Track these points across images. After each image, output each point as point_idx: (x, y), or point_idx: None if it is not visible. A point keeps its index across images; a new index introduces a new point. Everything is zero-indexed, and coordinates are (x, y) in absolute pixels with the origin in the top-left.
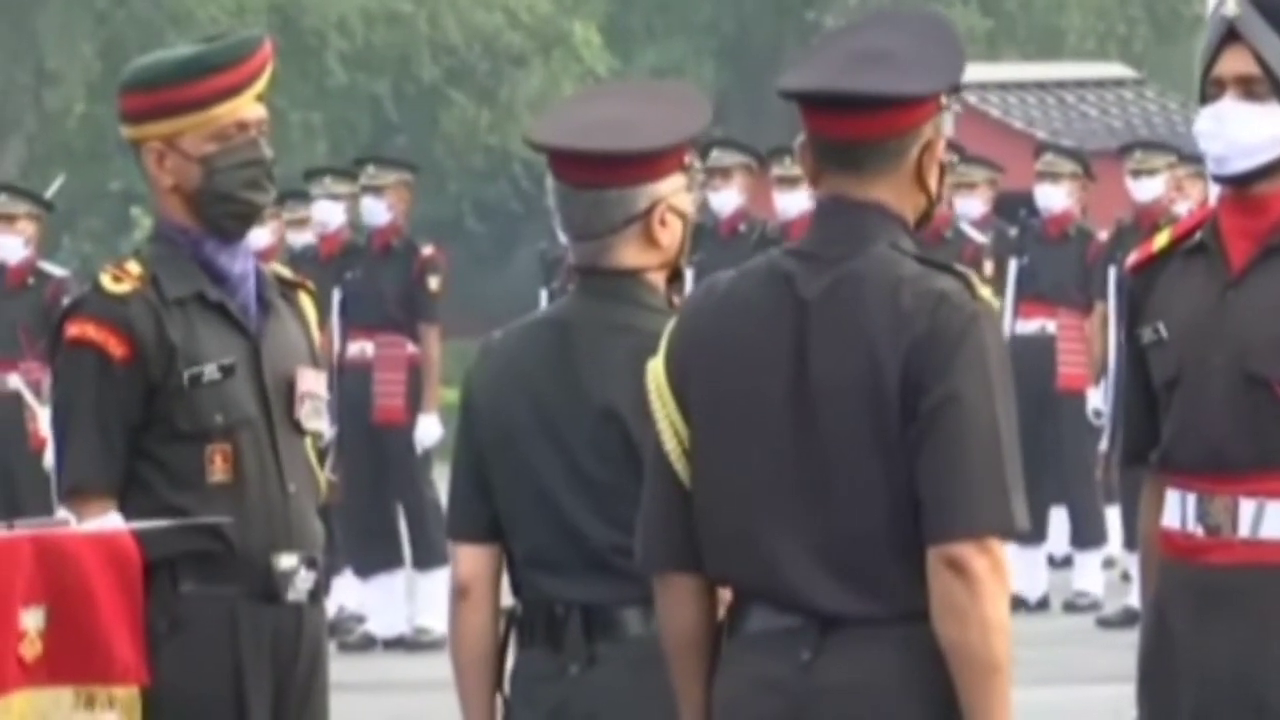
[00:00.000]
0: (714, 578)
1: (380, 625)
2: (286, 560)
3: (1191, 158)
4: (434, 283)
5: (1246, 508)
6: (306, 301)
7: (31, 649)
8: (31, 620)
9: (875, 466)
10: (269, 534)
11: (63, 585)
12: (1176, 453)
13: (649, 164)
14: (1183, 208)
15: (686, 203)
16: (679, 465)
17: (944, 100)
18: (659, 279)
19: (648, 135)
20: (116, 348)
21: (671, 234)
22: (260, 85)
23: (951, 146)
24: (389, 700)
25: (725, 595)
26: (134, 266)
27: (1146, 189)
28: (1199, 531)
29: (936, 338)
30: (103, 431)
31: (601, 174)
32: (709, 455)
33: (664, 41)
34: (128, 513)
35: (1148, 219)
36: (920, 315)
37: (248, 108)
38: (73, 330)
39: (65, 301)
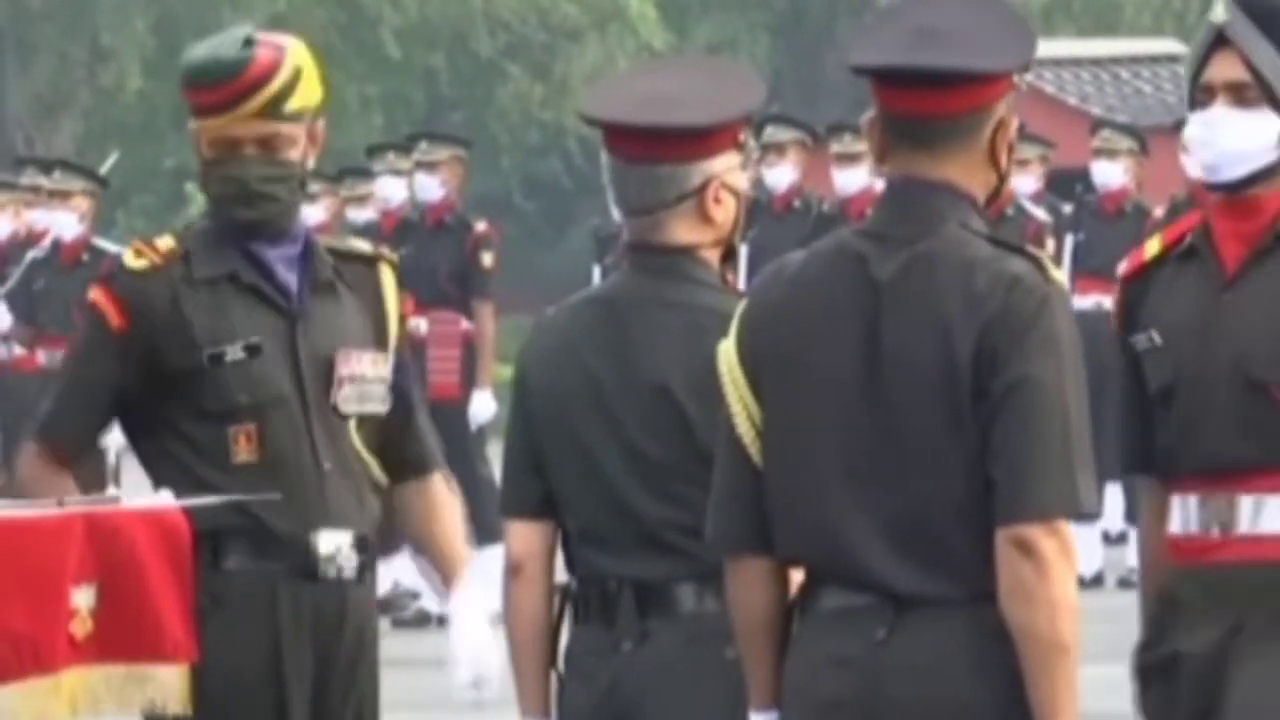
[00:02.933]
0: (785, 558)
1: (435, 601)
2: (327, 538)
3: None
4: (487, 259)
5: (1245, 504)
6: (386, 273)
7: (83, 627)
8: (83, 598)
9: (947, 447)
10: (305, 512)
11: (114, 562)
12: (1177, 459)
13: (703, 140)
14: None
15: (741, 180)
16: (752, 446)
17: (1016, 79)
18: (713, 256)
19: (702, 111)
20: (114, 318)
21: (725, 211)
22: (255, 104)
23: None
24: (442, 676)
25: (796, 576)
26: (166, 242)
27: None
28: (1202, 533)
29: (1009, 319)
30: (85, 392)
31: (655, 149)
32: (781, 436)
33: (719, 16)
34: (160, 486)
35: (1202, 195)
36: (994, 297)
37: (239, 126)
38: (90, 295)
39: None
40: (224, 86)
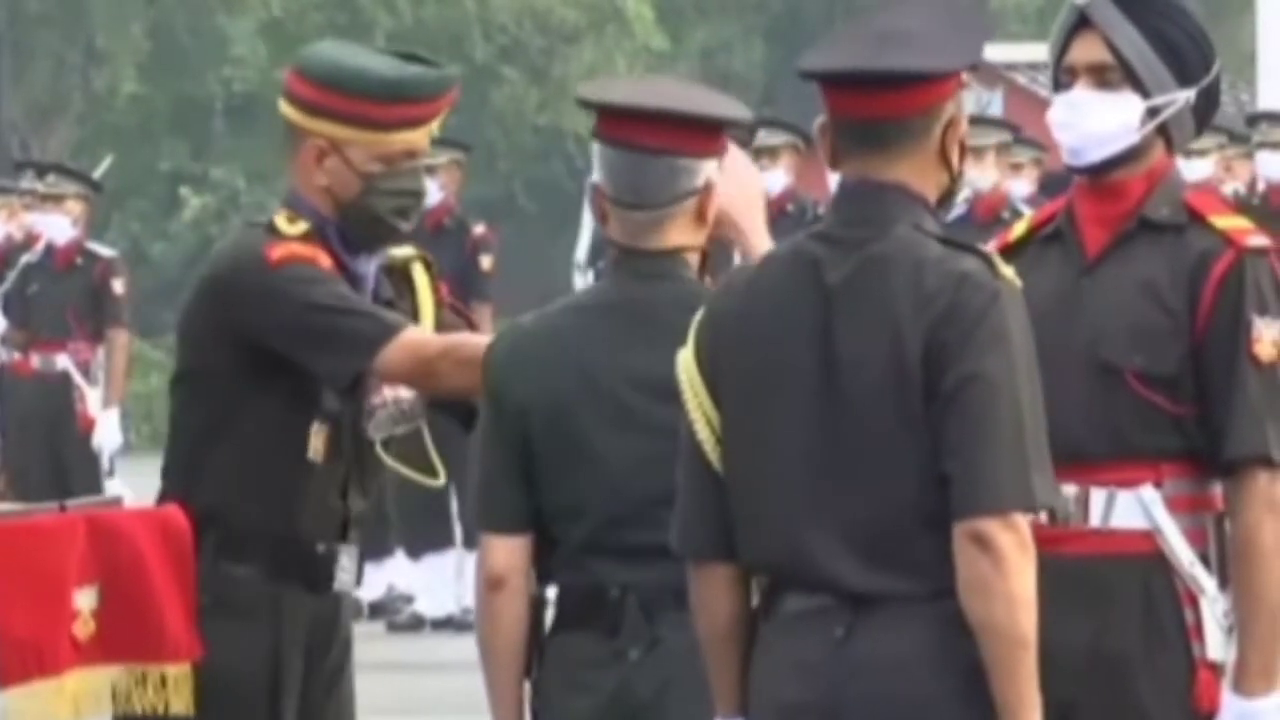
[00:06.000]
0: (747, 564)
1: (429, 605)
2: (339, 552)
3: (1241, 138)
4: (486, 262)
5: (1098, 497)
6: (419, 271)
7: (85, 628)
8: (85, 600)
9: (901, 447)
10: (322, 523)
11: (115, 563)
12: None
13: (715, 138)
14: (1235, 189)
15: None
16: (712, 454)
17: (964, 78)
18: (695, 261)
19: (717, 108)
20: (325, 261)
21: (712, 215)
22: (438, 120)
23: (1006, 126)
24: (437, 680)
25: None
26: (305, 221)
27: (1196, 169)
28: (1059, 522)
29: (957, 316)
30: (355, 298)
31: (678, 141)
32: (740, 443)
33: (714, 20)
34: (237, 439)
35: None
36: (942, 294)
37: (423, 139)
38: (277, 253)
39: (232, 248)
40: (439, 100)
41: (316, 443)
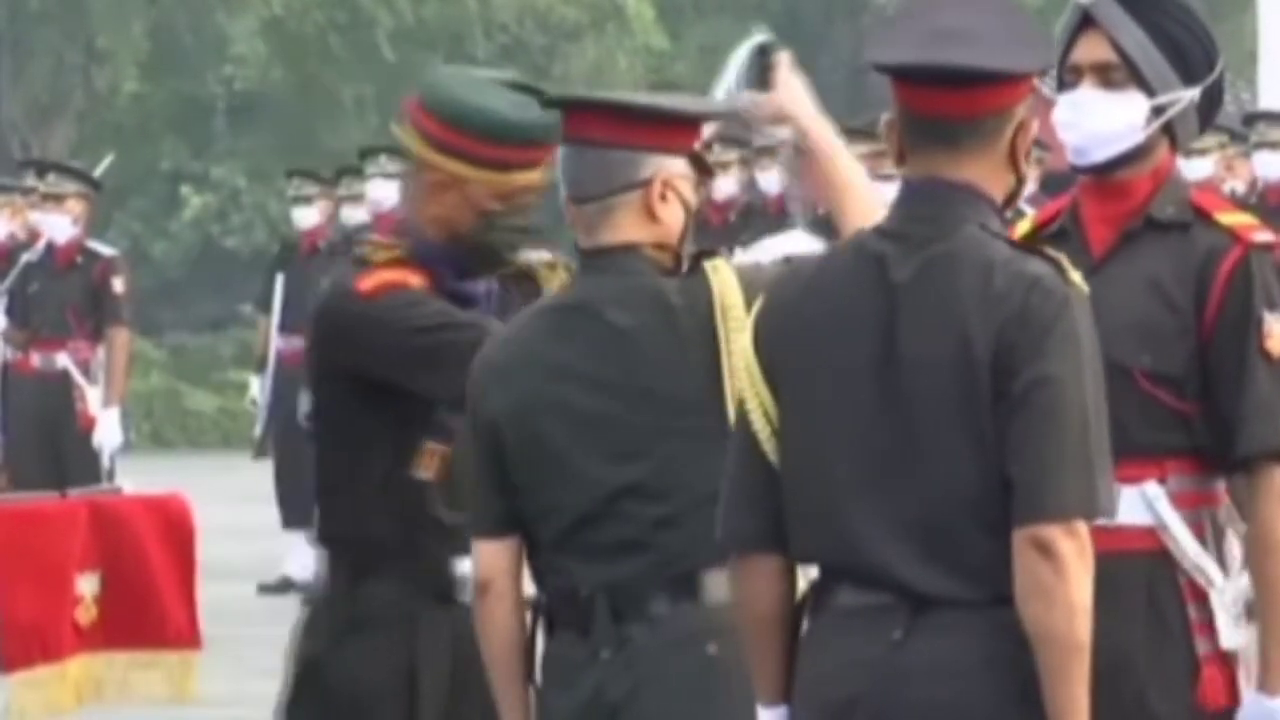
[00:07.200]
0: (799, 556)
1: None
2: (462, 563)
3: (1241, 137)
4: None
5: None
6: (548, 279)
7: (87, 614)
8: (87, 585)
9: (964, 447)
10: (447, 538)
11: (118, 550)
12: None
13: (653, 132)
14: (1232, 187)
15: (689, 191)
16: (767, 444)
17: (1035, 82)
18: (660, 259)
19: (655, 101)
20: (415, 280)
21: (671, 212)
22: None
23: None
24: None
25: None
26: (396, 247)
27: (1197, 168)
28: None
29: (1029, 320)
30: (453, 310)
31: (611, 132)
32: (797, 435)
33: (713, 18)
34: (362, 466)
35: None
36: (1012, 297)
37: (539, 177)
38: (367, 284)
39: (329, 287)
40: (556, 142)
41: (431, 460)
